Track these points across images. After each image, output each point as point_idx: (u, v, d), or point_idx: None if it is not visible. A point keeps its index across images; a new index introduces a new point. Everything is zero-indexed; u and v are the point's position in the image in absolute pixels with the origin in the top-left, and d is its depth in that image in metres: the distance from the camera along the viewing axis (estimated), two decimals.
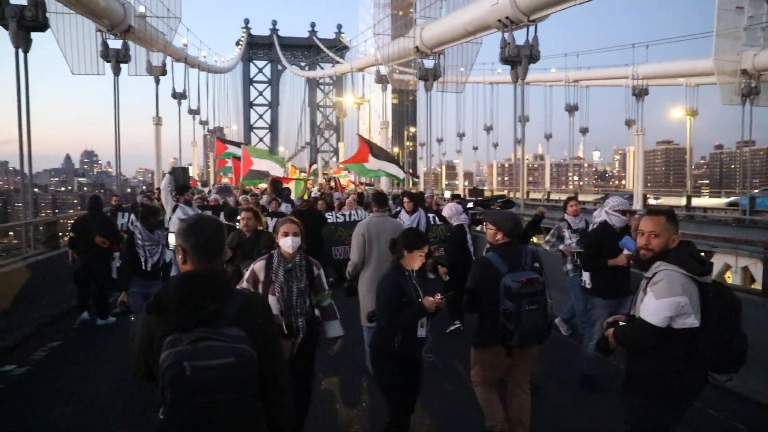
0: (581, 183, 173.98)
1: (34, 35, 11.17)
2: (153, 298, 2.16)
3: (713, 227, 21.26)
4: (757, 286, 12.09)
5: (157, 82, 23.51)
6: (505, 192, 41.22)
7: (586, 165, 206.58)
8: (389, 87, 26.67)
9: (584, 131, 42.80)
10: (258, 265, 3.91)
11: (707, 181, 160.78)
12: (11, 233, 21.36)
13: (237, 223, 7.12)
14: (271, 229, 9.87)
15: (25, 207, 12.39)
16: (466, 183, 75.87)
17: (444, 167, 66.74)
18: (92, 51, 16.21)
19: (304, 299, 3.90)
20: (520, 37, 13.22)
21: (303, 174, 20.74)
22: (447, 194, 12.63)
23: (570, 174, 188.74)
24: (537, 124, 46.81)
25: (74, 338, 7.35)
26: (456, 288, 6.46)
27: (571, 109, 38.25)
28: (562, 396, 5.44)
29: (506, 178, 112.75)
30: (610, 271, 5.20)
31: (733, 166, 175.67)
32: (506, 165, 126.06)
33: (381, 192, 7.69)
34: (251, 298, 2.36)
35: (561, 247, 7.13)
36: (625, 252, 4.98)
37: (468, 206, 8.52)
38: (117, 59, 16.27)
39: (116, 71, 16.48)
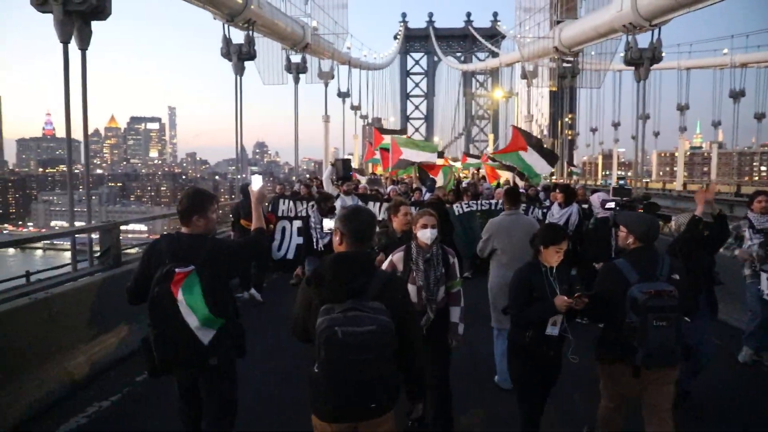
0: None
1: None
2: (312, 272, 2.66)
3: None
4: None
5: (326, 85, 26.21)
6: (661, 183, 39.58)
7: None
8: (535, 81, 27.75)
9: (760, 117, 39.70)
10: (397, 256, 4.07)
11: None
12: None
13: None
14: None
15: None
16: (629, 173, 72.17)
17: (601, 157, 64.45)
18: (278, 65, 19.88)
19: (440, 287, 4.06)
20: (645, 38, 14.21)
21: (455, 163, 20.62)
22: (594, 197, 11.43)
23: (756, 164, 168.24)
24: (707, 110, 43.73)
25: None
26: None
27: (737, 95, 35.99)
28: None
29: (675, 168, 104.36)
30: None
31: None
32: (673, 154, 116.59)
33: (514, 188, 7.19)
34: (392, 278, 2.85)
35: (736, 252, 6.02)
36: None
37: (608, 206, 7.76)
38: (297, 71, 19.84)
39: (297, 80, 20.04)
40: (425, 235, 4.00)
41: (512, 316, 3.75)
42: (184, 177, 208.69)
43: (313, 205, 8.52)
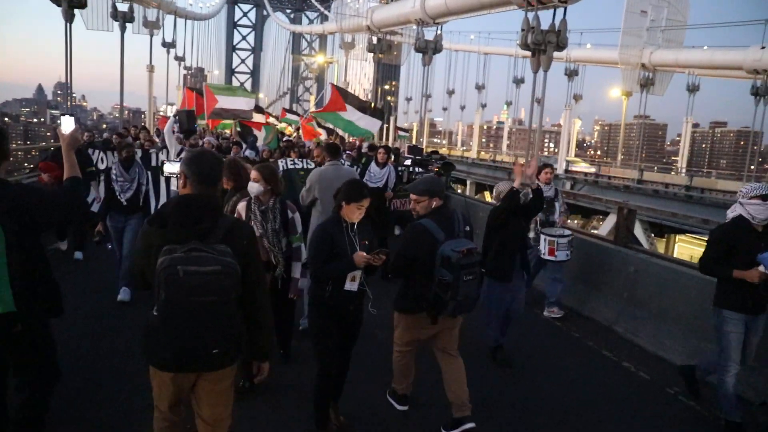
0: (555, 150, 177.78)
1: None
2: (154, 214, 2.60)
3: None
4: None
5: (151, 35, 25.98)
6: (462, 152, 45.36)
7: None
8: (354, 52, 30.24)
9: (538, 101, 47.12)
10: (241, 205, 4.30)
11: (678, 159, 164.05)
12: None
13: None
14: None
15: None
16: (444, 141, 79.23)
17: (417, 124, 71.01)
18: (103, 11, 19.83)
19: (279, 239, 4.26)
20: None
21: (274, 120, 19.97)
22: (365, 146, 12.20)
23: (546, 141, 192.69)
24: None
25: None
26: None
27: (518, 81, 42.87)
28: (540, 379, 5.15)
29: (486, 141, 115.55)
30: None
31: (704, 146, 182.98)
32: (486, 127, 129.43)
33: (334, 143, 7.93)
34: (238, 222, 2.75)
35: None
36: (761, 268, 3.87)
37: (405, 163, 8.59)
38: (124, 19, 19.83)
39: (123, 29, 20.04)
40: (251, 188, 4.28)
41: (312, 272, 3.72)
42: None
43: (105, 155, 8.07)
